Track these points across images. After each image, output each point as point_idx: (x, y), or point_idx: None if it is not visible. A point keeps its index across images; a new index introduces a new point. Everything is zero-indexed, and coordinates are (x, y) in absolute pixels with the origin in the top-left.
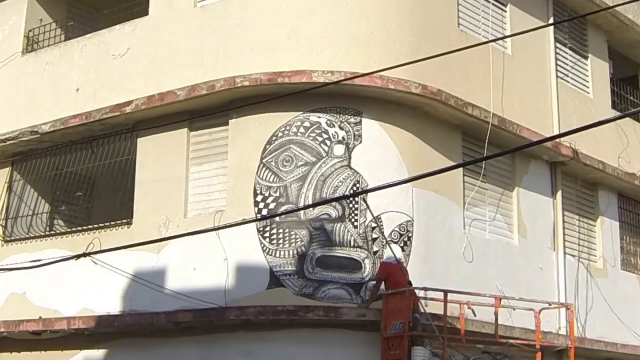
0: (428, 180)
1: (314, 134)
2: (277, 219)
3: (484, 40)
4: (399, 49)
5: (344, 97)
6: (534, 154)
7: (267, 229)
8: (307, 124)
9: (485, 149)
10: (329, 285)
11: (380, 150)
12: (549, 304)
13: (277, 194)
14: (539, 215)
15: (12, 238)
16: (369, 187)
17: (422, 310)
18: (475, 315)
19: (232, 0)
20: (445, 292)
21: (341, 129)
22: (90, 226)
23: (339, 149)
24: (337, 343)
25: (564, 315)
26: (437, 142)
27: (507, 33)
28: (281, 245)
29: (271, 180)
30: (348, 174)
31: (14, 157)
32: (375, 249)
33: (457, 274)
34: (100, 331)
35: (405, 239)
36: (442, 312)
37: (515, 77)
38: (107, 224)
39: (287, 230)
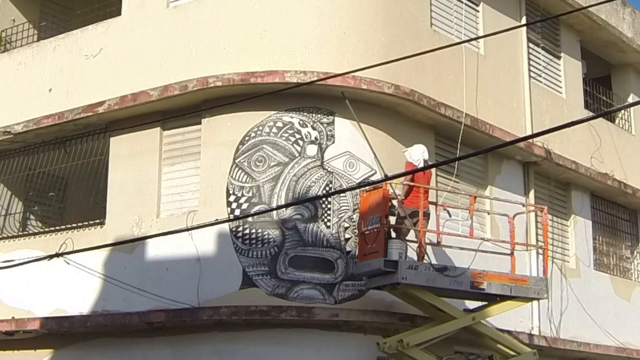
0: (401, 180)
1: (286, 134)
2: (250, 219)
3: (457, 40)
4: (371, 49)
5: (316, 97)
6: (507, 154)
7: (240, 229)
8: (279, 124)
9: (458, 149)
10: (302, 286)
11: (353, 150)
12: (523, 205)
13: (250, 194)
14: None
15: None
16: (341, 188)
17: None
18: (450, 216)
19: (204, 1)
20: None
21: (314, 129)
22: (63, 226)
23: (312, 149)
24: (309, 343)
25: (537, 314)
26: (410, 142)
27: (480, 33)
28: (254, 246)
29: (244, 180)
30: (321, 174)
31: None
32: (348, 249)
33: None
34: (73, 331)
35: None
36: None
37: (488, 77)
38: (80, 224)
39: (259, 231)
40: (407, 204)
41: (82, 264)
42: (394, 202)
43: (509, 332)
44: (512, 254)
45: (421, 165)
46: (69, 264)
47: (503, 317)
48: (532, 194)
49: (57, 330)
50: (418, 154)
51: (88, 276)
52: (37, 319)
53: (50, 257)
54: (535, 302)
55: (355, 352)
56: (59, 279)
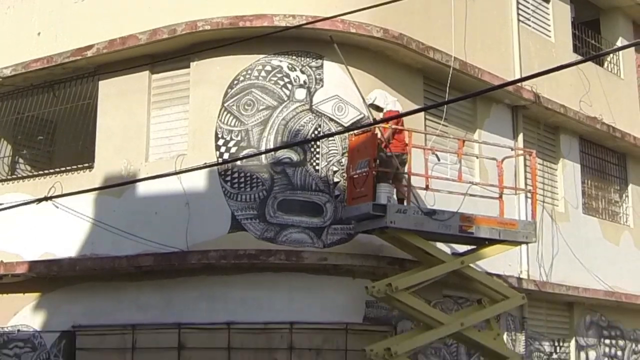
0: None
1: (275, 78)
2: (238, 163)
3: None
4: None
5: (305, 41)
6: (496, 98)
7: (229, 173)
8: (268, 67)
9: (447, 93)
10: (291, 229)
11: (342, 94)
12: (512, 149)
13: (239, 138)
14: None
15: None
16: (330, 131)
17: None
18: (439, 160)
19: None
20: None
21: (303, 72)
22: (52, 170)
23: (301, 93)
24: (298, 287)
25: (525, 258)
26: (398, 86)
27: None
28: (243, 189)
29: (233, 124)
30: (310, 117)
31: None
32: (336, 192)
33: None
34: (61, 275)
35: None
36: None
37: (477, 21)
38: (69, 167)
39: (248, 174)
40: (391, 149)
41: (71, 208)
42: (382, 146)
43: (498, 276)
44: (500, 197)
45: (394, 108)
46: (57, 207)
47: (492, 261)
48: (520, 137)
49: (45, 274)
50: (388, 100)
51: (77, 220)
52: (25, 262)
53: (39, 200)
54: (524, 247)
55: (344, 296)
56: (47, 223)
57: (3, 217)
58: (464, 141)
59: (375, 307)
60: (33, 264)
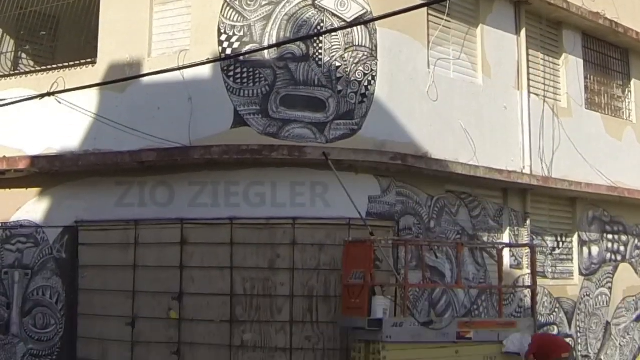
0: (392, 19)
1: None
2: (241, 58)
3: None
4: None
5: None
6: None
7: (231, 68)
8: None
9: None
10: (293, 125)
11: None
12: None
13: (242, 33)
14: (503, 55)
15: None
16: (333, 27)
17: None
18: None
19: None
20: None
21: None
22: (55, 65)
23: None
24: (301, 182)
25: (529, 154)
26: None
27: None
28: (245, 85)
29: (235, 19)
30: (312, 13)
31: None
32: (339, 88)
33: (421, 114)
34: (64, 170)
35: (370, 79)
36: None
37: None
38: (72, 63)
39: (251, 70)
40: None
41: (74, 103)
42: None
43: (499, 171)
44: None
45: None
46: (60, 103)
47: (495, 157)
48: (523, 33)
49: (48, 170)
50: None
51: (79, 115)
52: (28, 158)
53: (42, 96)
54: (526, 142)
55: (348, 191)
56: (50, 118)
57: (5, 112)
58: (462, 244)
59: (378, 203)
60: (35, 160)
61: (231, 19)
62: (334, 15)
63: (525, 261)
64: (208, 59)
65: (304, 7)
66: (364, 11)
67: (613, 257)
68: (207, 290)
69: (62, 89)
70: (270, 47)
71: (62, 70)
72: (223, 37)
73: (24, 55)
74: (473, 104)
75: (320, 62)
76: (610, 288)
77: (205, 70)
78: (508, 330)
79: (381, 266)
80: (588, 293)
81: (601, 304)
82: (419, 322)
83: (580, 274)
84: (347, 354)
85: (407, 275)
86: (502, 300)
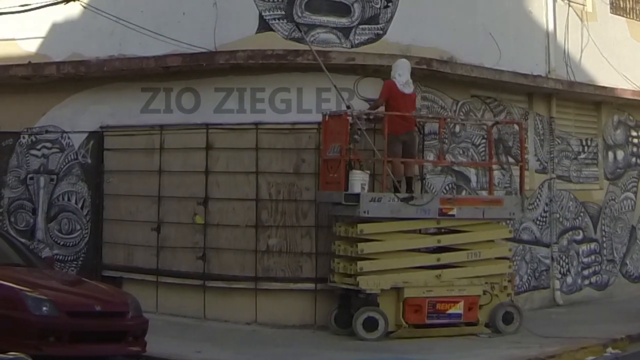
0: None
1: None
2: None
3: None
4: None
5: None
6: None
7: None
8: None
9: None
10: (318, 29)
11: None
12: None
13: None
14: None
15: None
16: None
17: (362, 134)
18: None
19: None
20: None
21: None
22: None
23: None
24: (326, 87)
25: (554, 59)
26: None
27: None
28: None
29: None
30: None
31: None
32: None
33: (446, 18)
34: (89, 76)
35: None
36: None
37: None
38: None
39: None
40: (390, 130)
41: (99, 8)
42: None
43: (524, 75)
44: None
45: (404, 86)
46: (85, 7)
47: (520, 61)
48: None
49: (73, 75)
50: (403, 74)
51: (105, 20)
52: (53, 63)
53: (67, 0)
54: (551, 46)
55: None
56: (75, 23)
57: (31, 17)
58: (444, 119)
59: None
60: (61, 65)
61: None
62: None
63: (551, 166)
64: None
65: None
66: None
67: (638, 161)
68: (233, 195)
69: None
70: None
71: None
72: None
73: None
74: (498, 8)
75: None
76: (635, 192)
77: None
78: (494, 208)
79: (360, 140)
80: (613, 197)
81: (626, 208)
82: (399, 197)
83: (606, 178)
84: None
85: (386, 150)
86: (492, 177)
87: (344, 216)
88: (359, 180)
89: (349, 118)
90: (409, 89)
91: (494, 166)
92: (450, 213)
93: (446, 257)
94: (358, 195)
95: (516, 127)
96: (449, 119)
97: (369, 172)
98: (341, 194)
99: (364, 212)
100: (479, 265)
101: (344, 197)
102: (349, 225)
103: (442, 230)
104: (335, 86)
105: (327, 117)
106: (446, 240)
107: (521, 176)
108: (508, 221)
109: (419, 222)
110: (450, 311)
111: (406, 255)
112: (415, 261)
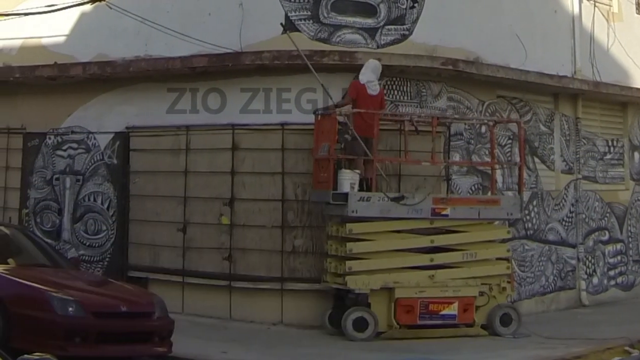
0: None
1: None
2: None
3: None
4: None
5: None
6: None
7: None
8: None
9: None
10: (344, 30)
11: None
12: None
13: None
14: None
15: None
16: None
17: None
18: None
19: None
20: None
21: None
22: None
23: None
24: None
25: (579, 59)
26: None
27: None
28: None
29: None
30: None
31: None
32: None
33: (471, 19)
34: (115, 76)
35: None
36: None
37: None
38: None
39: None
40: (358, 131)
41: (125, 8)
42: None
43: (550, 76)
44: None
45: (370, 86)
46: (111, 8)
47: (546, 61)
48: None
49: (99, 75)
50: (365, 74)
51: (130, 21)
52: (79, 64)
53: (94, 1)
54: (577, 46)
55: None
56: (101, 24)
57: (57, 18)
58: (438, 118)
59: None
60: (87, 65)
61: None
62: None
63: (576, 166)
64: None
65: None
66: None
67: None
68: (259, 196)
69: None
70: None
71: None
72: None
73: None
74: (524, 9)
75: None
76: None
77: None
78: (490, 208)
79: (350, 139)
80: (639, 198)
81: None
82: (389, 197)
83: (631, 178)
84: None
85: (375, 149)
86: (494, 177)
87: (335, 216)
88: (348, 179)
89: (339, 117)
90: (374, 90)
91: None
92: (443, 213)
93: (440, 258)
94: (346, 194)
95: (542, 127)
96: (441, 118)
97: (359, 172)
98: (329, 193)
99: (352, 211)
100: (475, 266)
101: (332, 197)
102: (339, 225)
103: (443, 230)
104: (322, 85)
105: (318, 116)
106: (440, 240)
107: (520, 176)
108: (506, 221)
109: (411, 222)
110: (443, 312)
111: (398, 255)
112: (407, 261)
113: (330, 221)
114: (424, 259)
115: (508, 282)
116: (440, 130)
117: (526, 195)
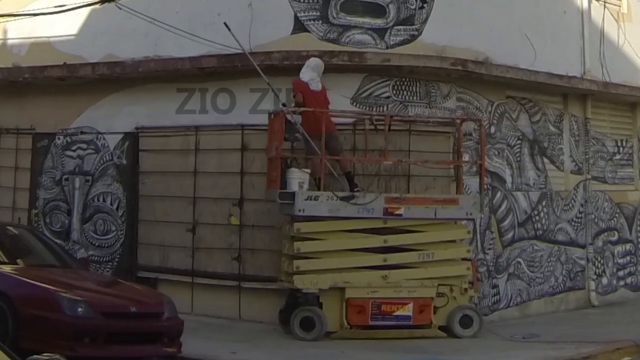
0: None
1: None
2: None
3: None
4: None
5: None
6: None
7: None
8: None
9: None
10: (354, 30)
11: None
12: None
13: None
14: None
15: None
16: None
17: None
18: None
19: None
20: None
21: None
22: None
23: None
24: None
25: (589, 59)
26: None
27: None
28: None
29: None
30: None
31: None
32: None
33: (481, 19)
34: (124, 77)
35: None
36: None
37: None
38: None
39: None
40: (308, 129)
41: (134, 9)
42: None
43: (559, 76)
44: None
45: (312, 84)
46: (120, 9)
47: (554, 62)
48: None
49: (108, 76)
50: (306, 73)
51: (139, 21)
52: (88, 64)
53: (103, 2)
54: (586, 46)
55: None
56: (110, 24)
57: (66, 18)
58: (391, 117)
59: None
60: (96, 66)
61: None
62: None
63: (586, 167)
64: None
65: None
66: None
67: None
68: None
69: None
70: None
71: None
72: None
73: None
74: (534, 9)
75: None
76: None
77: None
78: (448, 208)
79: (300, 138)
80: None
81: None
82: (338, 196)
83: None
84: None
85: (323, 148)
86: (461, 176)
87: (287, 215)
88: (296, 178)
89: (287, 116)
90: (315, 86)
91: (530, 166)
92: (397, 213)
93: (394, 258)
94: (294, 193)
95: (551, 127)
96: (396, 116)
97: (308, 171)
98: (276, 192)
99: (299, 210)
100: (433, 267)
101: (278, 195)
102: (290, 224)
103: (402, 230)
104: (269, 83)
105: (271, 116)
106: (395, 240)
107: (481, 175)
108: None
109: (363, 222)
110: (397, 313)
111: (350, 255)
112: (358, 261)
113: (283, 220)
114: (377, 259)
115: (470, 283)
116: (449, 130)
117: (535, 195)
